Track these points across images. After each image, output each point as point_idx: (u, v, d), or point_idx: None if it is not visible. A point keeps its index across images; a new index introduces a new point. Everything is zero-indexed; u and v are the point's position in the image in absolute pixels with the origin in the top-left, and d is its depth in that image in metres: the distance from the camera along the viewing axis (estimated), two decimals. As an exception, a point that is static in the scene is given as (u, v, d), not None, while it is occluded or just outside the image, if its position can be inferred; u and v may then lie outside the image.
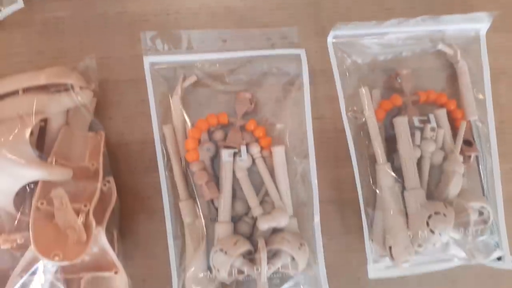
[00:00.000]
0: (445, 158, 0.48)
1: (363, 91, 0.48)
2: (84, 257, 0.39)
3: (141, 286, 0.46)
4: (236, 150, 0.47)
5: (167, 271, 0.46)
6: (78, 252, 0.38)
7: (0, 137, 0.38)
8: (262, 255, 0.42)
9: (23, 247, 0.39)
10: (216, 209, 0.47)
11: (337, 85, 0.50)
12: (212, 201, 0.48)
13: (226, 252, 0.42)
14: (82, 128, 0.45)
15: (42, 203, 0.38)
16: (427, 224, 0.43)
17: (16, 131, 0.39)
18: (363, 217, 0.48)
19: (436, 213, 0.43)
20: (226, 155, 0.46)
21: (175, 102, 0.48)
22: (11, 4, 0.49)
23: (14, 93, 0.42)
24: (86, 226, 0.39)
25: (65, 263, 0.37)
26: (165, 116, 0.49)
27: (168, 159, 0.48)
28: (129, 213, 0.48)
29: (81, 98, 0.44)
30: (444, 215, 0.42)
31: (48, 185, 0.39)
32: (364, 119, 0.49)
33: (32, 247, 0.36)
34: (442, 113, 0.49)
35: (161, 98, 0.49)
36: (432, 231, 0.42)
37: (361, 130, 0.50)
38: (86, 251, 0.38)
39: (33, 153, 0.39)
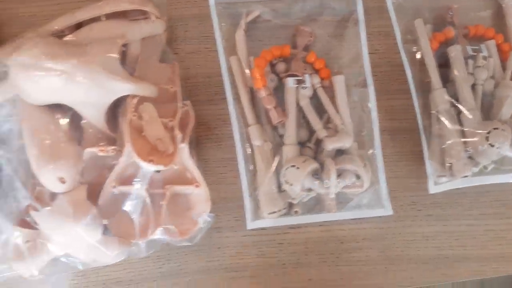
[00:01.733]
0: (496, 85, 0.51)
1: (419, 22, 0.51)
2: (169, 168, 0.42)
3: (213, 209, 0.49)
4: (300, 78, 0.49)
5: (237, 194, 0.49)
6: (169, 160, 0.40)
7: (93, 55, 0.41)
8: (332, 170, 0.45)
9: (116, 158, 0.41)
10: (280, 136, 0.50)
11: (392, 17, 0.53)
12: (276, 128, 0.51)
13: (298, 168, 0.45)
14: (155, 57, 0.48)
15: (134, 115, 0.40)
16: (487, 139, 0.45)
17: (107, 49, 0.41)
18: (422, 139, 0.51)
19: (495, 128, 0.46)
20: (291, 82, 0.49)
21: (240, 36, 0.51)
22: None
23: (96, 19, 0.45)
24: (172, 139, 0.42)
25: (160, 167, 0.40)
26: (230, 51, 0.52)
27: (235, 89, 0.51)
28: (198, 142, 0.51)
29: (157, 26, 0.47)
30: (503, 130, 0.45)
31: (137, 101, 0.42)
32: (418, 50, 0.52)
33: (128, 149, 0.39)
34: (492, 43, 0.52)
35: (225, 33, 0.52)
36: (491, 145, 0.45)
37: (415, 62, 0.53)
38: (175, 160, 0.41)
39: (123, 69, 0.41)
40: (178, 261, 0.49)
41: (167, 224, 0.42)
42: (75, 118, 0.45)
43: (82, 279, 0.48)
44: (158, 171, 0.42)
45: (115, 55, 0.41)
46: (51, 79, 0.40)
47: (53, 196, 0.42)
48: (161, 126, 0.41)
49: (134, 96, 0.42)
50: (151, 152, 0.41)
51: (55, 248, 0.41)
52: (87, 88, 0.40)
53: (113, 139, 0.44)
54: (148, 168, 0.40)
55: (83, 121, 0.44)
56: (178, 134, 0.42)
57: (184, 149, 0.43)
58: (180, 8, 0.53)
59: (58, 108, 0.44)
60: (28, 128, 0.42)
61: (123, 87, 0.41)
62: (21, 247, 0.41)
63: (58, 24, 0.45)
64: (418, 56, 0.52)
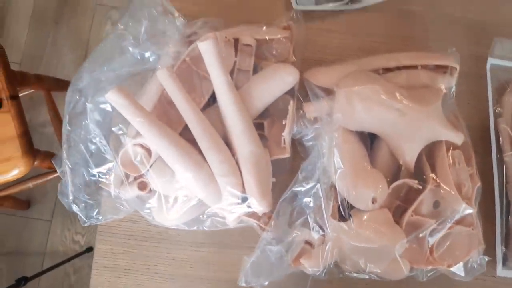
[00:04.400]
0: None
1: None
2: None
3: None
4: None
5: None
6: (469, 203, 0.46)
7: (427, 101, 0.47)
8: None
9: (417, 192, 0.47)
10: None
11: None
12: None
13: None
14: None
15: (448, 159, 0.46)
16: None
17: (434, 97, 0.47)
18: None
19: None
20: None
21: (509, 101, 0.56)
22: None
23: (412, 67, 0.51)
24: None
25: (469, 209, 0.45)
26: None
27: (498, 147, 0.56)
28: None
29: (453, 81, 0.53)
30: None
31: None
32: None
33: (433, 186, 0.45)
34: None
35: (495, 94, 0.57)
36: None
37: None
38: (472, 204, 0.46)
39: (444, 117, 0.47)
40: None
41: (445, 258, 0.48)
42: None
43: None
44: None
45: (439, 103, 0.47)
46: (386, 114, 0.47)
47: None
48: (467, 173, 0.47)
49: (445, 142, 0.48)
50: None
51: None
52: (416, 128, 0.46)
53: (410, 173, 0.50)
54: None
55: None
56: (478, 183, 0.47)
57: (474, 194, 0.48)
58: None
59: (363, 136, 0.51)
60: (344, 149, 0.48)
61: (446, 134, 0.47)
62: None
63: (380, 63, 0.51)
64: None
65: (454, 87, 0.53)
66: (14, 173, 0.91)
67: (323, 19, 0.60)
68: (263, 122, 0.52)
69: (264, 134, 0.53)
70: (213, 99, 0.50)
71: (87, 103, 0.41)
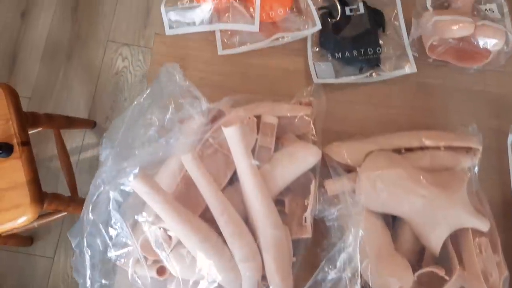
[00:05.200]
0: None
1: None
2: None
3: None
4: None
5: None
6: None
7: (452, 188, 0.46)
8: None
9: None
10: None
11: None
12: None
13: None
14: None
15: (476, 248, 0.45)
16: None
17: (461, 183, 0.47)
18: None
19: None
20: None
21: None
22: (401, 68, 0.59)
23: (434, 147, 0.51)
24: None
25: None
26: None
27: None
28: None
29: (476, 161, 0.52)
30: None
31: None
32: None
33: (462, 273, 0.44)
34: None
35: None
36: None
37: None
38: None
39: (470, 203, 0.47)
40: None
41: None
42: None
43: None
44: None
45: (465, 190, 0.47)
46: (411, 200, 0.46)
47: None
48: (494, 261, 0.46)
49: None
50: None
51: None
52: (442, 216, 0.46)
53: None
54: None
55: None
56: (506, 272, 0.46)
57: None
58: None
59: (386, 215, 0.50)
60: (369, 237, 0.47)
61: (472, 221, 0.46)
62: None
63: (402, 143, 0.51)
64: None
65: (477, 167, 0.52)
66: (22, 220, 0.90)
67: (343, 91, 0.60)
68: (284, 200, 0.52)
69: (285, 211, 0.52)
70: (235, 176, 0.50)
71: (110, 191, 0.41)
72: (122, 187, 0.44)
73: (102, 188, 0.40)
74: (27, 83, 1.46)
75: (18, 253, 1.35)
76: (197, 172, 0.45)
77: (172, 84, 0.45)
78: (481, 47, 0.54)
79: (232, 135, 0.45)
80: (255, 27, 0.56)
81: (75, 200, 1.11)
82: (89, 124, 1.41)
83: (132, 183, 0.41)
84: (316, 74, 0.58)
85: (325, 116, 0.58)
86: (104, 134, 0.52)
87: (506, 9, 0.57)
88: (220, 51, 0.59)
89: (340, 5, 0.59)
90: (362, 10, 0.59)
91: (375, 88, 0.60)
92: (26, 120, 0.99)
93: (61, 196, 1.06)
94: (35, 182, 0.92)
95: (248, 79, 0.60)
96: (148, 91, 0.51)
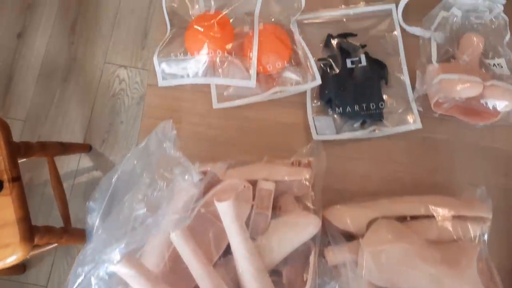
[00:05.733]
0: None
1: None
2: None
3: None
4: None
5: None
6: None
7: (462, 266, 0.43)
8: None
9: None
10: None
11: None
12: None
13: None
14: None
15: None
16: None
17: (467, 257, 0.44)
18: None
19: None
20: None
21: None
22: (406, 123, 0.56)
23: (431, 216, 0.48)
24: None
25: None
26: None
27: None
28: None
29: (486, 229, 0.49)
30: None
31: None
32: None
33: None
34: None
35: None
36: None
37: None
38: None
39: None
40: None
41: None
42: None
43: None
44: None
45: (475, 267, 0.44)
46: (418, 278, 0.43)
47: None
48: None
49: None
50: None
51: None
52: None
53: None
54: None
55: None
56: None
57: None
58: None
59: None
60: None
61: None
62: None
63: (407, 210, 0.48)
64: None
65: (486, 235, 0.49)
66: (12, 259, 0.87)
67: (344, 146, 0.57)
68: (281, 271, 0.49)
69: (283, 282, 0.49)
70: (228, 247, 0.47)
71: (92, 277, 0.38)
72: (105, 271, 0.41)
73: (82, 277, 0.37)
74: (22, 105, 1.44)
75: (10, 281, 1.31)
76: (187, 250, 0.42)
77: (161, 152, 0.43)
78: (490, 108, 0.51)
79: (225, 210, 0.42)
80: (252, 83, 0.53)
81: (68, 231, 1.08)
82: (85, 148, 1.38)
83: (116, 267, 0.38)
84: (316, 130, 0.55)
85: (325, 174, 0.55)
86: (90, 199, 0.49)
87: (515, 65, 0.54)
88: (216, 104, 0.57)
89: (341, 56, 0.57)
90: (364, 62, 0.56)
91: (378, 144, 0.57)
92: (18, 150, 0.96)
93: (53, 229, 1.03)
94: (25, 219, 0.89)
95: (245, 133, 0.57)
96: (138, 148, 0.48)
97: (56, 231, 1.04)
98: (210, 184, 0.48)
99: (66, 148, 1.25)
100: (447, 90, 0.51)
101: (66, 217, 1.15)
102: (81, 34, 1.48)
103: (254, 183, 0.49)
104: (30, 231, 0.89)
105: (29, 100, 1.45)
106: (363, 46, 0.58)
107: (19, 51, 1.47)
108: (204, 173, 0.50)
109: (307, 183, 0.49)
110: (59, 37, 1.47)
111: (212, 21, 0.53)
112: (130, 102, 1.44)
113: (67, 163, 1.39)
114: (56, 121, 1.43)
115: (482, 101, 0.51)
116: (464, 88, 0.49)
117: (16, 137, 1.40)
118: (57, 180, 1.14)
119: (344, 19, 0.59)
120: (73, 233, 1.11)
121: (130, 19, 1.49)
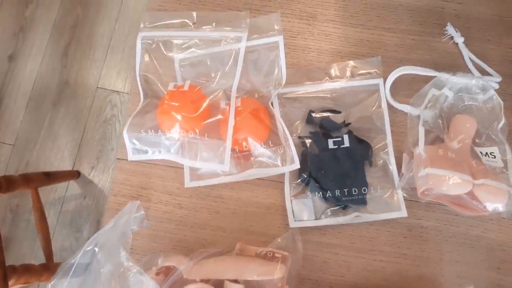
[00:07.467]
0: None
1: None
2: None
3: None
4: None
5: None
6: None
7: None
8: None
9: None
10: None
11: None
12: None
13: None
14: None
15: None
16: None
17: None
18: None
19: None
20: None
21: None
22: (390, 211, 0.52)
23: None
24: None
25: None
26: None
27: None
28: None
29: None
30: None
31: None
32: None
33: None
34: None
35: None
36: None
37: None
38: None
39: None
40: None
41: None
42: None
43: None
44: None
45: None
46: None
47: None
48: None
49: None
50: None
51: None
52: None
53: None
54: None
55: None
56: None
57: None
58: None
59: None
60: None
61: None
62: None
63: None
64: None
65: None
66: (-16, 307, 0.84)
67: (323, 231, 0.53)
68: None
69: None
70: None
71: None
72: None
73: None
74: (11, 129, 1.41)
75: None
76: None
77: (118, 259, 0.39)
78: (480, 207, 0.47)
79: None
80: (225, 167, 0.50)
81: (49, 268, 1.05)
82: (73, 175, 1.35)
83: None
84: (293, 215, 0.52)
85: (303, 261, 0.51)
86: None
87: (509, 155, 0.50)
88: (188, 183, 0.53)
89: (323, 135, 0.53)
90: (347, 143, 0.52)
91: (360, 230, 0.53)
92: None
93: (32, 268, 1.00)
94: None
95: (217, 214, 0.53)
96: (99, 233, 0.45)
97: (35, 270, 1.00)
98: (174, 283, 0.45)
99: (52, 177, 1.22)
100: (435, 184, 0.47)
101: (48, 253, 1.12)
102: (74, 57, 1.45)
103: (220, 283, 0.45)
104: (4, 276, 0.87)
105: (19, 124, 1.42)
106: (347, 125, 0.54)
107: (10, 73, 1.45)
108: (168, 268, 0.47)
109: (279, 284, 0.46)
110: (52, 60, 1.45)
111: (186, 99, 0.50)
112: (121, 129, 1.40)
113: (55, 190, 1.36)
114: (46, 146, 1.40)
115: (471, 198, 0.47)
116: (453, 186, 0.46)
117: (4, 162, 1.37)
118: (41, 214, 1.11)
119: (329, 94, 0.55)
120: (54, 270, 1.08)
121: (125, 44, 1.46)
